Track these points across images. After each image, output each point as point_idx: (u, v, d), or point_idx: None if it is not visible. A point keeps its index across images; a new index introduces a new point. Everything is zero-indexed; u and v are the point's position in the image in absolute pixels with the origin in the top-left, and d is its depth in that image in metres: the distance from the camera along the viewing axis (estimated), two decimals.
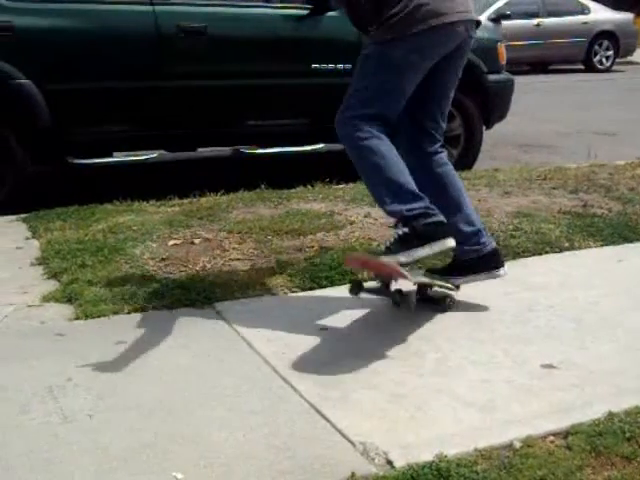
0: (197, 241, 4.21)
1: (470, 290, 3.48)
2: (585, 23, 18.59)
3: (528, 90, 11.98)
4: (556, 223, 4.52)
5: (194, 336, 3.15)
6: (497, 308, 3.43)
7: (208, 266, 3.86)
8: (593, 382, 2.74)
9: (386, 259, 3.09)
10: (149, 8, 5.49)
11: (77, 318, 3.33)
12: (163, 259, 3.95)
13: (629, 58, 19.80)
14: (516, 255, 4.08)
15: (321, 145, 5.96)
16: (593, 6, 18.94)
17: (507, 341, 3.10)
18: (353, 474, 2.20)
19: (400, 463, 2.26)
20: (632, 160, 6.43)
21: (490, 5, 17.17)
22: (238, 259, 3.97)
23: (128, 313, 3.37)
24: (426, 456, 2.28)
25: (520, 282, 3.71)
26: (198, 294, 3.52)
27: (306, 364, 2.91)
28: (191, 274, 3.76)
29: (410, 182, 3.15)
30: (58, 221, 4.67)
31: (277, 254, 4.01)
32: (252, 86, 5.81)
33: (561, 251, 4.18)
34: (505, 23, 15.49)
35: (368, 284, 3.51)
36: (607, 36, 18.74)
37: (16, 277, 3.84)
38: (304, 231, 4.34)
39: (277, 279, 3.74)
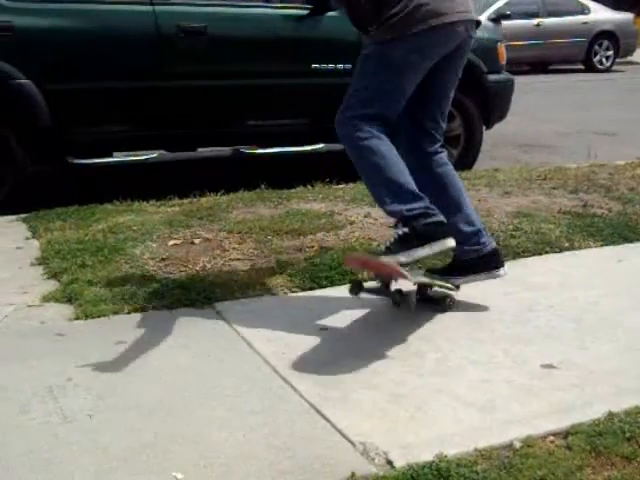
0: (197, 241, 4.21)
1: (470, 290, 3.48)
2: (585, 23, 18.59)
3: (528, 90, 11.98)
4: (556, 223, 4.52)
5: (194, 336, 3.15)
6: (497, 308, 3.43)
7: (208, 266, 3.86)
8: (593, 382, 2.74)
9: (386, 259, 3.09)
10: (149, 8, 5.49)
11: (77, 318, 3.33)
12: (163, 259, 3.95)
13: (629, 58, 19.80)
14: (516, 255, 4.08)
15: (321, 145, 5.96)
16: (593, 6, 18.94)
17: (507, 341, 3.10)
18: (353, 474, 2.20)
19: (400, 463, 2.26)
20: (632, 160, 6.43)
21: (490, 5, 17.17)
22: (238, 259, 3.97)
23: (128, 313, 3.37)
24: (426, 456, 2.28)
25: (520, 282, 3.71)
26: (198, 294, 3.52)
27: (306, 364, 2.91)
28: (191, 274, 3.76)
29: (410, 182, 3.15)
30: (58, 221, 4.68)
31: (277, 254, 4.01)
32: (252, 86, 5.81)
33: (561, 251, 4.18)
34: (505, 23, 15.50)
35: (368, 284, 3.51)
36: (607, 36, 18.74)
37: (16, 277, 3.84)
38: (304, 231, 4.34)
39: (277, 279, 3.74)
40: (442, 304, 3.42)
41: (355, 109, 3.18)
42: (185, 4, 5.70)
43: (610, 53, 18.85)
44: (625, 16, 19.36)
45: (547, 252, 4.15)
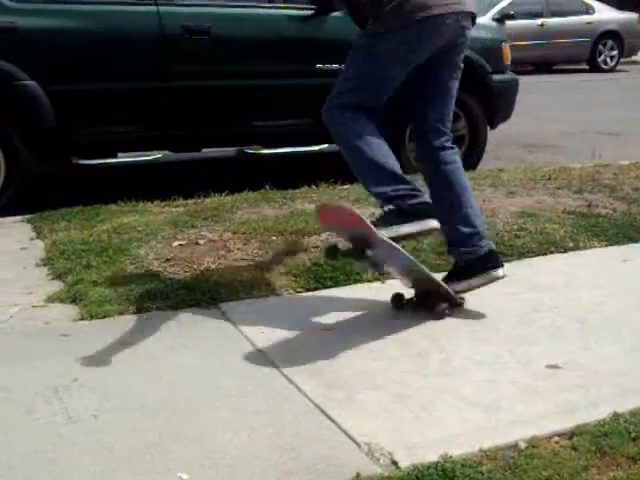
0: (202, 241, 4.21)
1: (474, 290, 3.47)
2: (589, 23, 18.57)
3: (532, 90, 11.96)
4: (561, 223, 4.51)
5: (199, 336, 3.15)
6: (501, 308, 3.43)
7: (213, 266, 3.86)
8: (598, 382, 2.74)
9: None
10: (153, 9, 5.50)
11: (82, 319, 3.34)
12: (168, 260, 3.95)
13: (633, 58, 19.78)
14: (521, 255, 4.08)
15: (325, 145, 5.95)
16: (597, 6, 18.92)
17: (512, 341, 3.10)
18: (358, 474, 2.20)
19: (405, 463, 2.26)
20: (636, 160, 6.41)
21: (494, 5, 17.16)
22: (243, 259, 3.97)
23: (133, 314, 3.37)
24: (431, 456, 2.27)
25: (524, 282, 3.70)
26: (203, 294, 3.52)
27: (311, 364, 2.91)
28: (196, 274, 3.76)
29: (395, 165, 3.24)
30: (63, 222, 4.68)
31: (282, 255, 4.00)
32: (256, 86, 5.81)
33: (566, 251, 4.17)
34: (509, 23, 15.48)
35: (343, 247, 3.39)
36: (611, 36, 18.71)
37: (21, 278, 3.84)
38: (309, 231, 4.34)
39: (282, 280, 3.74)
40: (436, 311, 3.35)
41: (341, 97, 3.28)
42: (189, 5, 5.70)
43: (614, 53, 18.82)
44: (629, 16, 19.32)
45: (552, 252, 4.15)
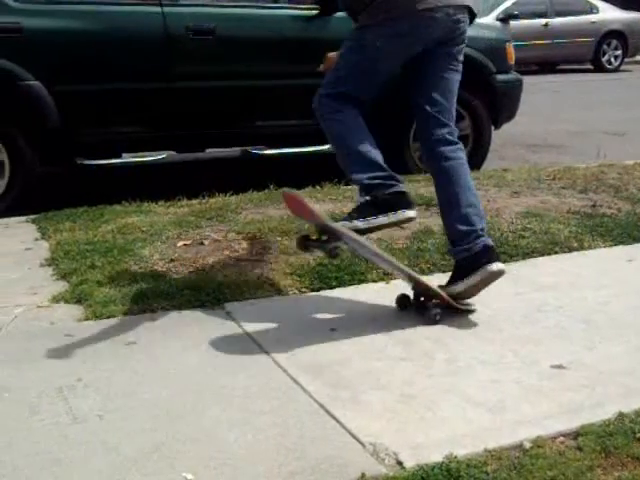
0: (206, 242, 4.21)
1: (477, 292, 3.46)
2: (593, 23, 18.55)
3: (536, 90, 11.96)
4: (565, 223, 4.51)
5: (203, 337, 3.15)
6: (506, 308, 3.42)
7: (217, 267, 3.86)
8: (603, 382, 2.74)
9: (341, 223, 3.21)
10: (158, 9, 5.50)
11: (86, 319, 3.34)
12: (172, 260, 3.95)
13: (638, 57, 19.75)
14: (525, 255, 4.08)
15: (330, 145, 5.94)
16: (601, 5, 18.90)
17: (516, 341, 3.09)
18: (363, 475, 2.20)
19: (410, 464, 2.26)
20: None
21: (498, 5, 17.16)
22: (247, 260, 3.97)
23: (137, 314, 3.38)
24: (436, 457, 2.27)
25: (529, 282, 3.70)
26: (207, 295, 3.53)
27: (315, 364, 2.91)
28: (200, 275, 3.77)
29: (373, 152, 3.31)
30: (67, 222, 4.69)
31: (286, 255, 4.00)
32: (261, 87, 5.81)
33: (570, 251, 4.17)
34: (513, 23, 15.49)
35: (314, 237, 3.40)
36: (616, 36, 18.70)
37: (25, 278, 3.85)
38: (313, 232, 4.33)
39: (286, 280, 3.74)
40: (428, 317, 3.31)
41: (329, 87, 3.35)
42: (194, 5, 5.71)
43: (619, 53, 18.81)
44: (634, 15, 19.29)
45: (556, 252, 4.15)
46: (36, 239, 4.49)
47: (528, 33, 17.10)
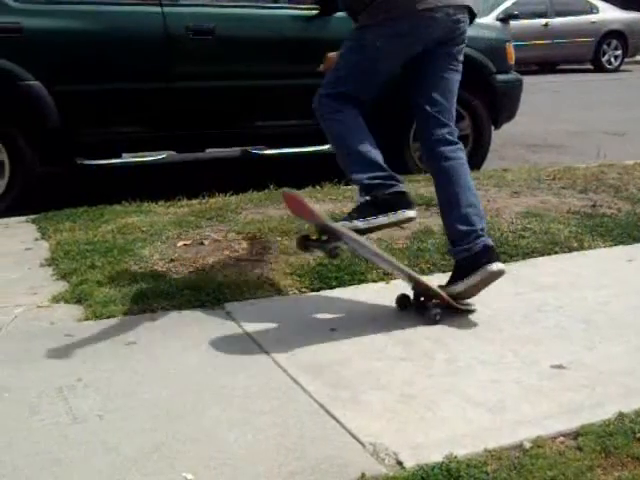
0: (206, 242, 4.21)
1: (476, 292, 3.46)
2: (593, 23, 18.55)
3: (536, 90, 11.96)
4: (565, 223, 4.51)
5: (203, 337, 3.15)
6: (506, 308, 3.42)
7: (217, 267, 3.86)
8: (603, 382, 2.74)
9: (341, 223, 3.22)
10: (158, 9, 5.50)
11: (86, 319, 3.34)
12: (172, 260, 3.95)
13: (638, 57, 19.75)
14: (525, 255, 4.07)
15: (330, 145, 5.94)
16: (602, 5, 18.90)
17: (516, 341, 3.09)
18: (363, 475, 2.20)
19: (410, 464, 2.26)
20: None
21: (498, 5, 17.16)
22: (247, 260, 3.97)
23: (137, 314, 3.38)
24: (436, 457, 2.27)
25: (529, 282, 3.70)
26: (207, 295, 3.53)
27: (315, 364, 2.91)
28: (200, 275, 3.77)
29: (373, 152, 3.31)
30: (67, 222, 4.69)
31: (286, 255, 4.00)
32: (261, 87, 5.82)
33: (570, 251, 4.17)
34: (513, 23, 15.49)
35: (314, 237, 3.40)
36: (616, 36, 18.70)
37: (25, 278, 3.85)
38: (313, 232, 4.33)
39: (286, 280, 3.74)
40: (427, 317, 3.31)
41: (329, 87, 3.35)
42: (194, 5, 5.71)
43: (619, 53, 18.81)
44: (634, 15, 19.29)
45: (556, 252, 4.15)
46: (36, 239, 4.49)
47: (528, 33, 17.11)
